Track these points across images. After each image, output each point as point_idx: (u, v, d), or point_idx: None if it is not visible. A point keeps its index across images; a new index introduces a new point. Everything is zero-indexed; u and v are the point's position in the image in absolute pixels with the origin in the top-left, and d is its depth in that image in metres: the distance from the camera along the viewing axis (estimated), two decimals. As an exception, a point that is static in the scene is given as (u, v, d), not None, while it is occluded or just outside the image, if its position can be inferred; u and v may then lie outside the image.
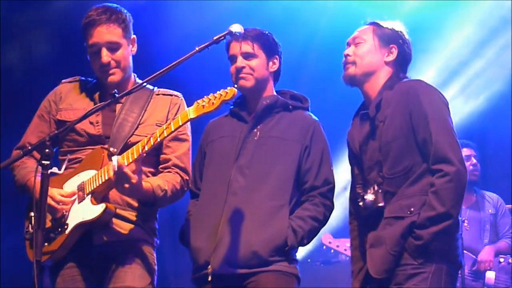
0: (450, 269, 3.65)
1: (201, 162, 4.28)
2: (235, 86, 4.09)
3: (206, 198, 4.13)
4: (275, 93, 4.26)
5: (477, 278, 6.46)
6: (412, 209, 3.63)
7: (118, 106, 3.97)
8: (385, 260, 3.65)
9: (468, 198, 6.68)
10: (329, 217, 4.12)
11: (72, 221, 3.74)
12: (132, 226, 3.86)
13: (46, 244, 3.73)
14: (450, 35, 7.31)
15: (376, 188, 3.77)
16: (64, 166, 3.74)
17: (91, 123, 3.91)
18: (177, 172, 3.93)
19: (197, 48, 3.66)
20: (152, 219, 4.00)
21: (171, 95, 4.09)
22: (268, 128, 4.16)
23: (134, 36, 4.04)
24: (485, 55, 7.37)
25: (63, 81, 4.14)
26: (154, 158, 3.95)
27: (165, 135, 3.62)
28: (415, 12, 6.78)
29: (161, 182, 3.85)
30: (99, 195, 3.74)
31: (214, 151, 4.21)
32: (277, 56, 4.26)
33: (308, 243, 4.11)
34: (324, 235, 6.26)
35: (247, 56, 4.17)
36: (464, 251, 6.33)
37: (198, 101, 3.57)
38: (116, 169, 3.60)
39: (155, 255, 3.98)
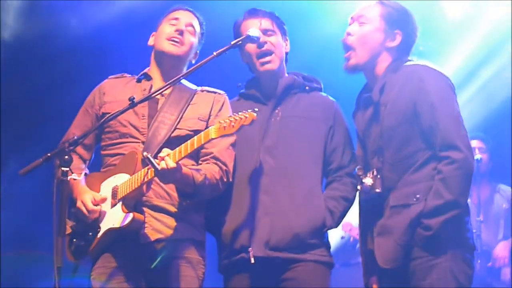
0: (465, 253, 3.60)
1: None
2: (260, 70, 4.13)
3: (235, 182, 4.05)
4: (287, 74, 4.26)
5: (492, 273, 6.42)
6: (418, 196, 3.58)
7: (161, 101, 4.00)
8: (393, 250, 3.62)
9: (483, 192, 6.63)
10: (355, 196, 4.10)
11: (104, 226, 3.78)
12: (179, 222, 3.86)
13: (83, 243, 3.80)
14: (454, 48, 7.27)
15: (375, 173, 3.74)
16: (83, 173, 3.81)
17: (136, 114, 3.94)
18: (215, 163, 3.94)
19: (215, 53, 3.73)
20: (199, 213, 3.98)
21: (215, 92, 4.13)
22: (289, 108, 4.15)
23: (198, 52, 4.20)
24: (487, 69, 7.32)
25: (109, 76, 4.22)
26: (195, 153, 3.93)
27: (188, 151, 3.63)
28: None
29: (200, 168, 3.87)
30: (130, 202, 3.76)
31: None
32: (287, 37, 4.28)
33: (339, 224, 4.14)
34: (345, 223, 6.21)
35: (267, 32, 4.15)
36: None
37: (220, 121, 3.59)
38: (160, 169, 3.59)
39: (204, 255, 3.95)
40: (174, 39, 4.05)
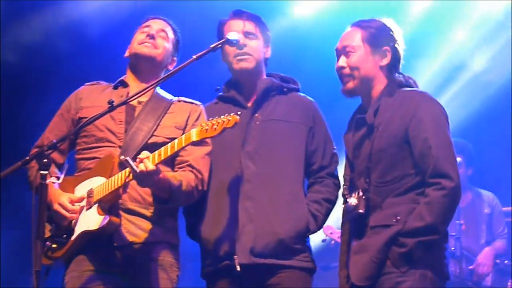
0: (435, 277, 3.58)
1: None
2: (235, 68, 4.13)
3: (215, 188, 4.05)
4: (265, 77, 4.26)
5: (474, 278, 6.43)
6: (398, 218, 3.57)
7: (138, 108, 4.01)
8: (367, 267, 3.60)
9: (464, 197, 6.62)
10: (338, 196, 4.12)
11: (78, 228, 3.78)
12: (153, 226, 3.86)
13: (55, 246, 3.79)
14: (446, 40, 7.31)
15: (360, 194, 3.72)
16: (63, 175, 3.81)
17: (113, 119, 3.95)
18: (190, 171, 3.93)
19: (194, 56, 3.73)
20: (173, 217, 3.99)
21: (191, 103, 4.15)
22: (268, 111, 4.14)
23: (176, 58, 4.22)
24: (482, 58, 7.38)
25: (85, 84, 4.23)
26: (170, 160, 3.93)
27: (169, 154, 3.64)
28: (409, 17, 6.80)
29: (176, 174, 3.88)
30: (106, 205, 3.76)
31: (215, 139, 4.05)
32: (269, 44, 4.28)
33: (322, 226, 4.16)
34: (326, 226, 6.16)
35: (249, 35, 4.15)
36: (462, 251, 6.38)
37: (202, 124, 3.59)
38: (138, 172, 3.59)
39: (178, 258, 3.96)
40: (146, 42, 4.08)
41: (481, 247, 6.57)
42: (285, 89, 4.23)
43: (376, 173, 3.70)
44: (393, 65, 3.87)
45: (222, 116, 3.54)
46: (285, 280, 3.93)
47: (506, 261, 6.51)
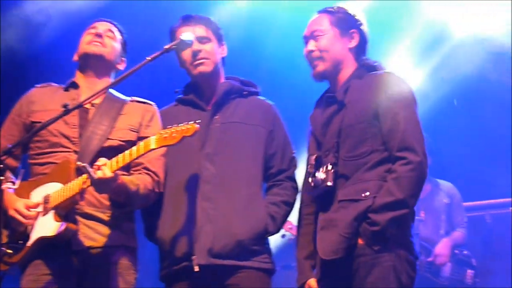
0: (409, 256, 3.63)
1: None
2: (194, 73, 4.12)
3: (174, 189, 4.04)
4: (224, 79, 4.26)
5: (432, 268, 6.51)
6: (367, 193, 3.61)
7: (92, 111, 3.98)
8: (335, 241, 3.62)
9: (424, 188, 6.67)
10: (296, 199, 4.14)
11: (34, 235, 3.74)
12: (110, 230, 3.85)
13: (11, 251, 3.74)
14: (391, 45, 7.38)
15: (329, 168, 3.74)
16: (18, 181, 3.80)
17: (66, 123, 3.91)
18: (147, 173, 3.93)
19: (148, 58, 3.70)
20: (130, 220, 3.99)
21: (145, 103, 4.14)
22: (228, 114, 4.15)
23: (125, 59, 4.21)
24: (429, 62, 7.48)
25: (35, 85, 4.18)
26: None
27: (128, 161, 3.64)
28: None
29: (133, 178, 3.87)
30: (62, 211, 3.73)
31: None
32: (223, 42, 4.27)
33: (281, 229, 4.18)
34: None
35: (202, 39, 4.14)
36: (421, 242, 6.45)
37: (161, 131, 3.60)
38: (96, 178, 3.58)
39: (136, 261, 3.96)
40: (94, 41, 4.07)
41: (440, 237, 6.63)
42: (245, 92, 4.24)
43: (345, 148, 3.73)
44: (361, 48, 3.94)
45: (181, 124, 3.55)
46: (244, 281, 3.93)
47: (465, 251, 6.62)
